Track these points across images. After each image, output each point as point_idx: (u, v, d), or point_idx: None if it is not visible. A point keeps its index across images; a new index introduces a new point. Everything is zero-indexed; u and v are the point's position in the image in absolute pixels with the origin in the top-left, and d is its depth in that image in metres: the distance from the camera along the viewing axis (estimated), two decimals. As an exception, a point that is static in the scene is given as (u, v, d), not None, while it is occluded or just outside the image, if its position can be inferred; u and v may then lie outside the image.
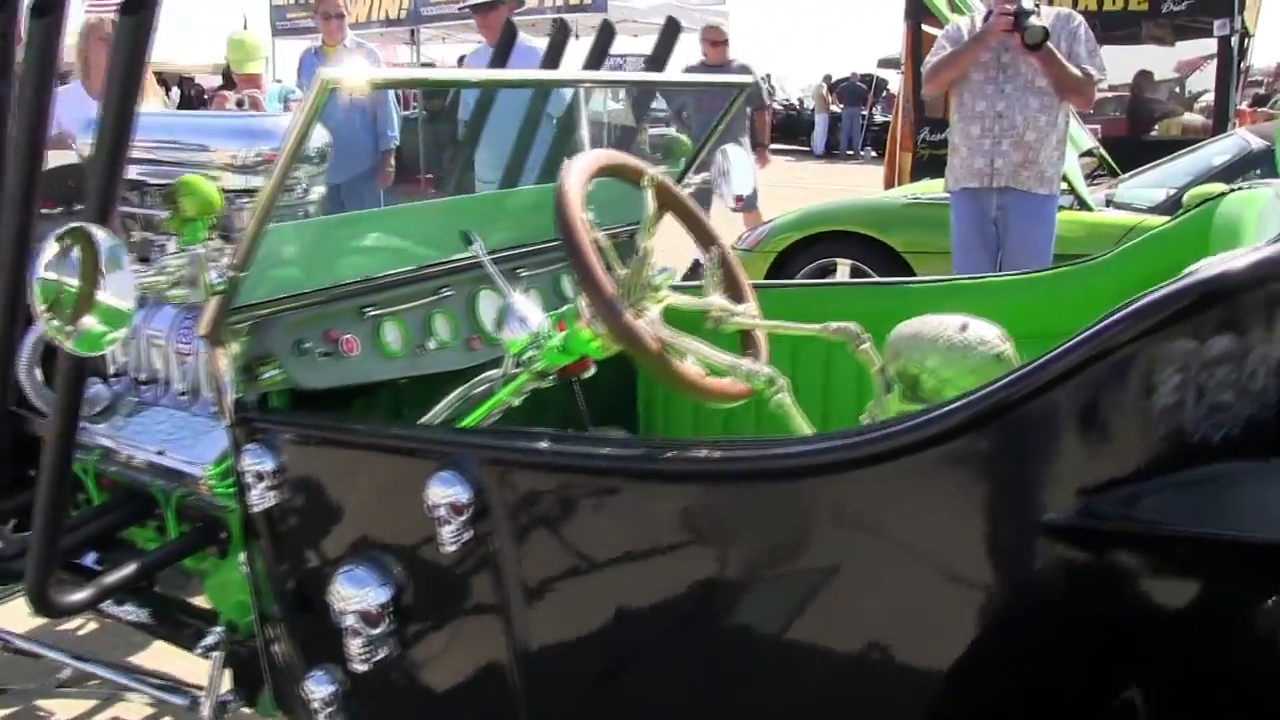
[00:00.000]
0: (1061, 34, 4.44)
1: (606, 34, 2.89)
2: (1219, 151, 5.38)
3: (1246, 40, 8.72)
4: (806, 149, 21.47)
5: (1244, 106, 10.12)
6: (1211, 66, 8.56)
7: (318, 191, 2.40)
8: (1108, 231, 5.03)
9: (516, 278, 2.36)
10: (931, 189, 5.84)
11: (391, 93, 5.95)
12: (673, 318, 1.72)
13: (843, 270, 5.70)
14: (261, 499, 1.73)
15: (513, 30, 3.51)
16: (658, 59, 2.71)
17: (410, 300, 2.09)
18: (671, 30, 2.73)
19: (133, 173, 2.14)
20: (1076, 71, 4.41)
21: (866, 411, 1.56)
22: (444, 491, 1.51)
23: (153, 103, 4.63)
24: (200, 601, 2.22)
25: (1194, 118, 9.10)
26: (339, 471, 1.76)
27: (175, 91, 16.87)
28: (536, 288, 2.42)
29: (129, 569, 1.96)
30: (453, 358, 2.16)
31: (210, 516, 2.01)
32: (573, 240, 1.56)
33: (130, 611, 2.15)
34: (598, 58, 2.90)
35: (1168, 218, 4.93)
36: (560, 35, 3.11)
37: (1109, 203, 5.30)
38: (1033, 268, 4.64)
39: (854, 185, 13.10)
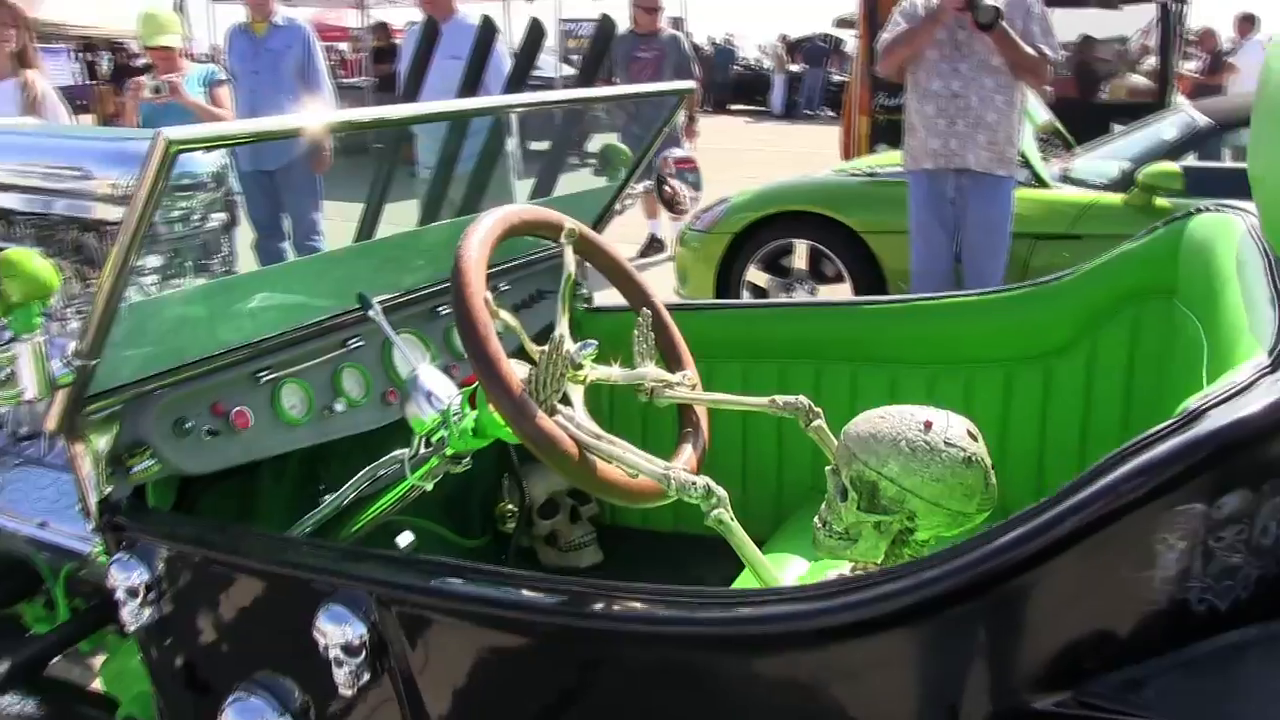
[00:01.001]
0: (1016, 13, 4.18)
1: (536, 35, 2.58)
2: (1167, 127, 5.14)
3: (1184, 5, 8.47)
4: (764, 109, 21.06)
5: (1186, 69, 9.91)
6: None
7: (218, 219, 2.12)
8: (1064, 209, 4.81)
9: (436, 317, 2.09)
10: (891, 160, 5.57)
11: (323, 67, 5.45)
12: (601, 392, 1.47)
13: (801, 250, 5.44)
14: (136, 617, 1.46)
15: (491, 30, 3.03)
16: (589, 69, 2.42)
17: (313, 357, 1.81)
18: (604, 34, 2.43)
19: None
20: (1031, 51, 4.17)
21: (818, 517, 1.31)
22: (335, 630, 1.25)
23: (37, 85, 4.08)
24: (100, 685, 1.96)
25: (1139, 80, 8.86)
26: (221, 587, 1.49)
27: (107, 60, 15.86)
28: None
29: (8, 663, 1.70)
30: (367, 417, 1.89)
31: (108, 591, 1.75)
32: (472, 333, 1.29)
33: (13, 702, 1.88)
34: (527, 59, 2.60)
35: (1122, 194, 4.79)
36: (534, 34, 2.76)
37: (1064, 178, 5.06)
38: (991, 252, 4.50)
39: (812, 147, 12.83)
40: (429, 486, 1.59)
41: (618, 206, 2.56)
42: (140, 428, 1.54)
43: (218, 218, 2.26)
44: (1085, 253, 4.65)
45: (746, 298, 5.54)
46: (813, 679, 1.04)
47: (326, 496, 1.98)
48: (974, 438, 1.24)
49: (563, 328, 1.49)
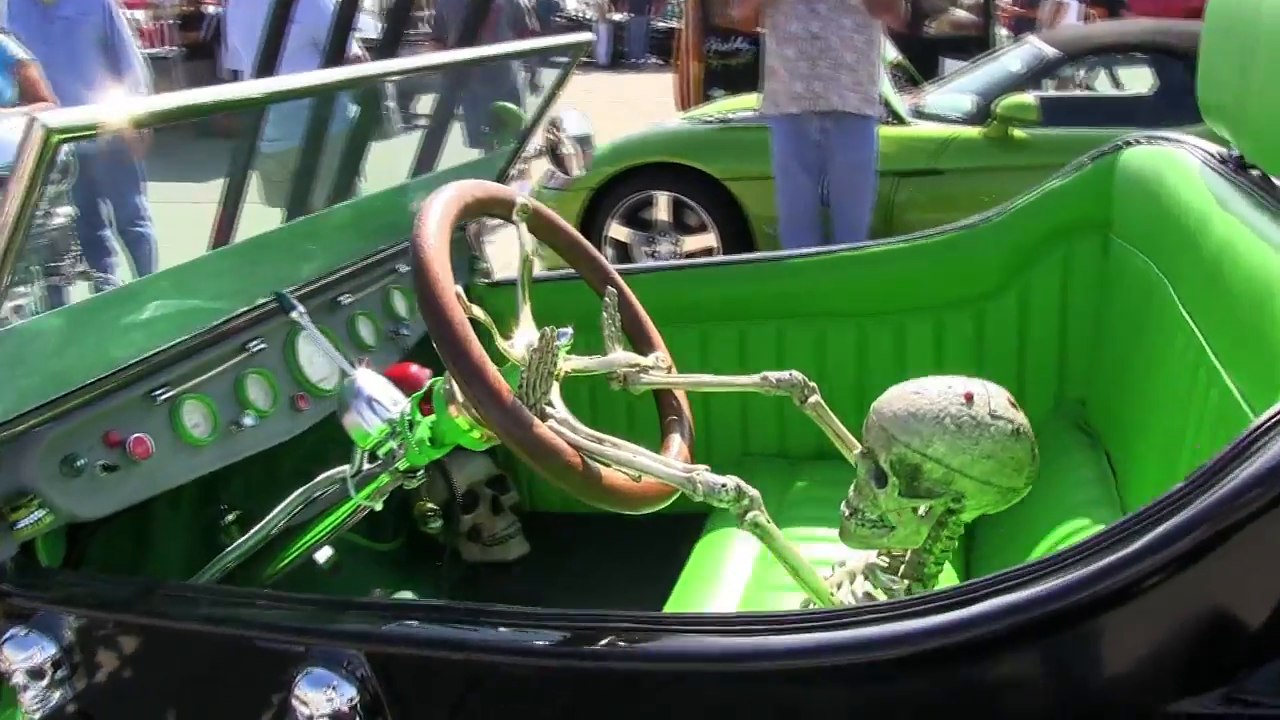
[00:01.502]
0: (869, -51, 4.11)
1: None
2: (1014, 59, 5.18)
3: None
4: (589, 59, 20.69)
5: (1005, 2, 10.10)
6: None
7: (64, 214, 1.82)
8: (924, 145, 4.80)
9: (337, 308, 1.87)
10: (739, 106, 5.47)
11: (130, 38, 4.83)
12: (579, 385, 1.29)
13: (662, 202, 5.29)
14: (42, 702, 1.21)
15: None
16: (470, 30, 2.19)
17: (211, 367, 1.57)
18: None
19: None
20: (886, -12, 4.11)
21: (846, 504, 1.16)
22: (319, 696, 1.04)
23: None
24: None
25: (963, 14, 9.00)
26: (156, 658, 1.25)
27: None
28: (366, 315, 1.93)
29: None
30: (278, 428, 1.66)
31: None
32: (449, 335, 1.09)
33: None
34: (398, 21, 2.35)
35: (980, 128, 4.81)
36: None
37: (918, 114, 5.04)
38: (859, 193, 4.44)
39: (644, 95, 12.67)
40: (378, 506, 1.38)
41: (513, 172, 2.35)
42: (23, 473, 1.28)
43: (64, 212, 1.95)
44: (948, 187, 4.75)
45: (610, 254, 5.38)
46: (952, 698, 0.90)
47: (229, 517, 1.75)
48: (1015, 406, 1.11)
49: (527, 317, 1.30)
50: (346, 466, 1.39)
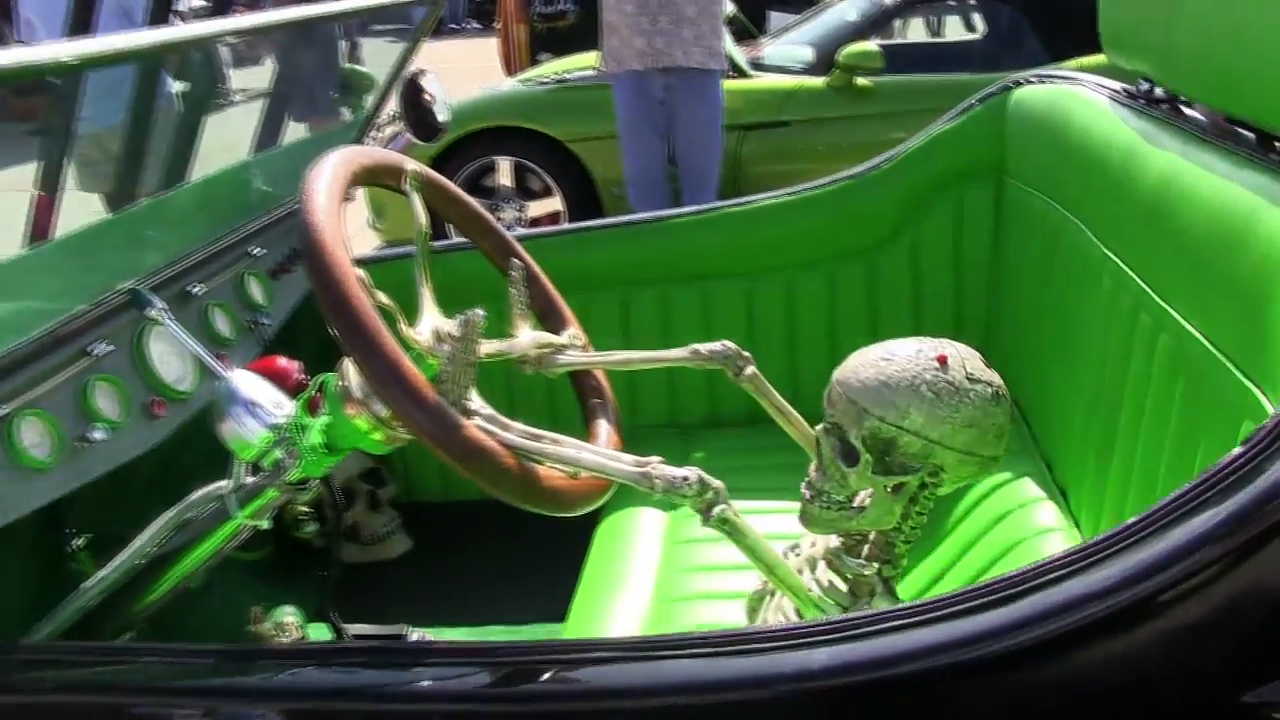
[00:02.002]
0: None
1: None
2: (850, 8, 5.15)
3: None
4: (405, 26, 19.99)
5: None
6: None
7: None
8: (768, 97, 4.73)
9: (189, 300, 1.65)
10: (573, 66, 5.30)
11: None
12: (495, 371, 1.13)
13: (504, 167, 5.09)
14: None
15: None
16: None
17: (48, 378, 1.35)
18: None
19: None
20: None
21: (807, 486, 1.04)
22: None
23: None
24: None
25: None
26: None
27: None
28: (221, 306, 1.71)
29: None
30: (133, 439, 1.44)
31: None
32: (357, 326, 0.92)
33: None
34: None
35: (823, 78, 4.77)
36: None
37: (757, 66, 4.97)
38: (706, 149, 4.34)
39: (469, 62, 12.31)
40: (266, 524, 1.20)
41: (366, 141, 2.15)
42: None
43: None
44: (795, 139, 4.70)
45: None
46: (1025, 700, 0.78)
47: (77, 542, 1.53)
48: (989, 365, 1.01)
49: (429, 299, 1.14)
50: (225, 482, 1.20)
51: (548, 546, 2.11)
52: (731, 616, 1.55)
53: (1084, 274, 1.52)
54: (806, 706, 0.78)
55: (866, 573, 1.04)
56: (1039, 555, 1.45)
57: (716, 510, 0.93)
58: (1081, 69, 1.81)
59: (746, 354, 1.20)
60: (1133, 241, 1.34)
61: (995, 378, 1.00)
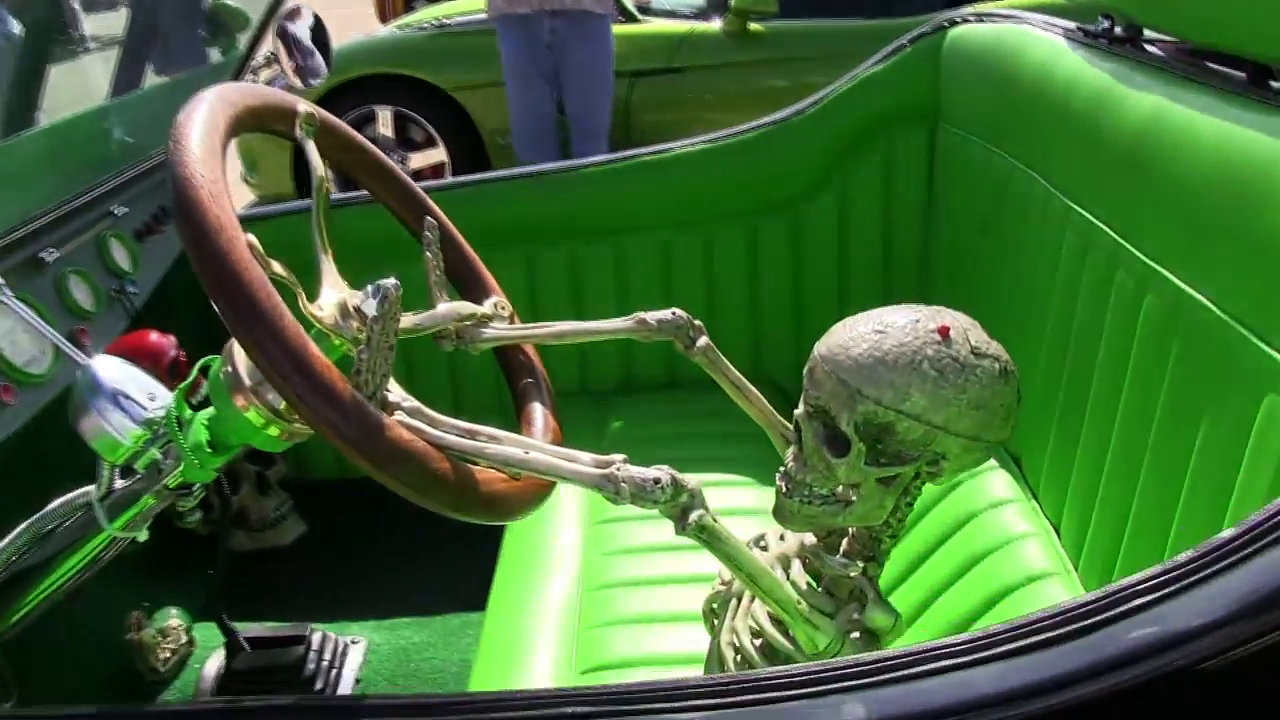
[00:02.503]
0: None
1: None
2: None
3: None
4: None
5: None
6: None
7: None
8: (660, 42, 4.56)
9: (41, 268, 1.42)
10: (454, 10, 5.04)
11: None
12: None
13: (384, 117, 4.81)
14: None
15: None
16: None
17: None
18: None
19: None
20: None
21: (783, 478, 0.90)
22: None
23: None
24: None
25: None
26: None
27: None
28: (79, 273, 1.49)
29: None
30: None
31: None
32: (246, 301, 0.74)
33: None
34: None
35: (718, 21, 4.59)
36: None
37: (645, 10, 4.78)
38: (597, 96, 4.15)
39: (338, 8, 11.78)
40: (143, 535, 1.01)
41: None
42: None
43: None
44: (688, 86, 4.54)
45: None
46: None
47: None
48: (990, 337, 0.88)
49: (330, 267, 0.95)
50: (90, 488, 1.00)
51: (457, 527, 1.94)
52: (663, 604, 1.42)
53: (1040, 227, 1.41)
54: None
55: (852, 574, 0.91)
56: (997, 528, 1.35)
57: (693, 517, 0.78)
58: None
59: (698, 323, 1.04)
60: (1106, 194, 1.23)
61: (1001, 351, 0.87)
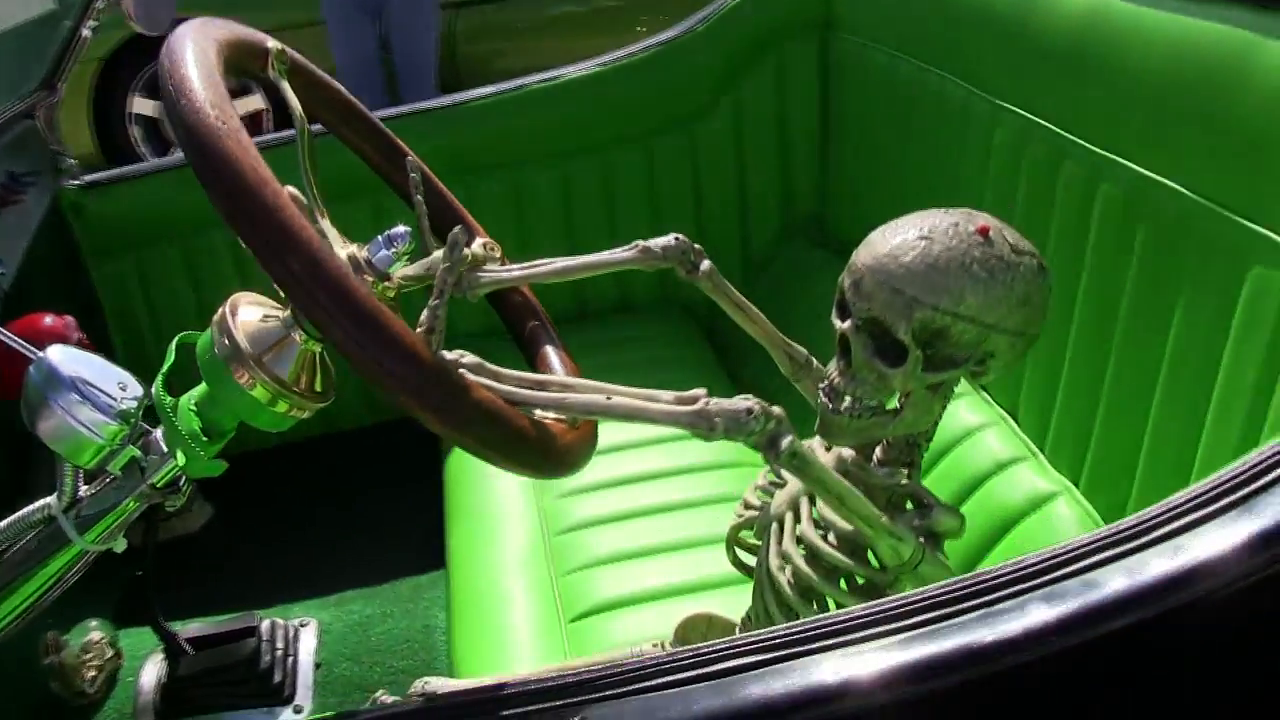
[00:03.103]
0: None
1: None
2: None
3: None
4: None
5: None
6: None
7: None
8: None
9: None
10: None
11: None
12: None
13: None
14: None
15: None
16: None
17: None
18: None
19: None
20: None
21: (828, 393, 0.85)
22: None
23: None
24: None
25: None
26: None
27: None
28: None
29: None
30: None
31: None
32: (317, 265, 0.64)
33: None
34: None
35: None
36: None
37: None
38: (422, 31, 3.96)
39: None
40: (120, 546, 0.90)
41: (85, 32, 1.73)
42: None
43: None
44: (513, 13, 4.38)
45: (138, 133, 4.54)
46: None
47: None
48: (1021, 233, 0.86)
49: (323, 219, 0.85)
50: (49, 500, 0.88)
51: (384, 484, 1.84)
52: (635, 540, 1.38)
53: (961, 129, 1.40)
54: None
55: (903, 482, 0.88)
56: (952, 419, 1.35)
57: (785, 444, 0.73)
58: None
59: (698, 247, 0.99)
60: (1046, 90, 1.23)
61: (1033, 247, 0.85)
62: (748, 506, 1.00)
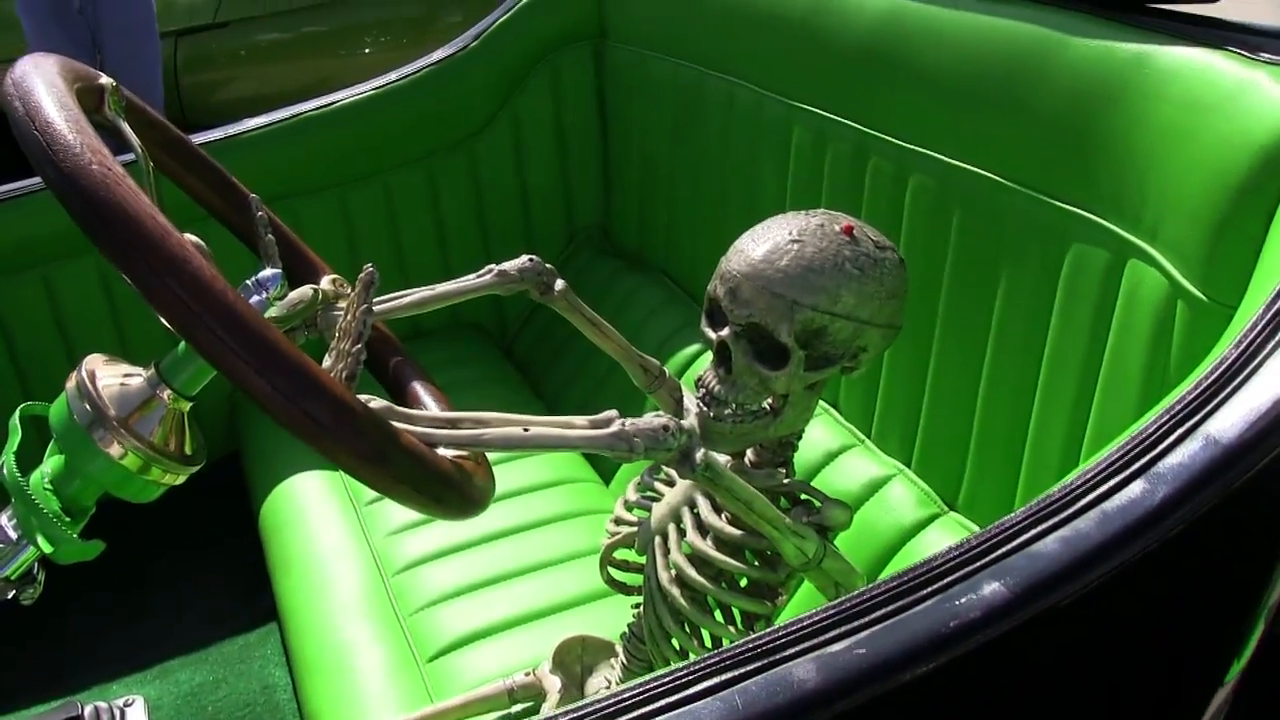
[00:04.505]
0: None
1: None
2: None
3: None
4: None
5: None
6: None
7: None
8: (197, -2, 4.08)
9: None
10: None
11: None
12: None
13: None
14: None
15: None
16: None
17: None
18: None
19: None
20: None
21: (707, 402, 0.82)
22: None
23: None
24: None
25: None
26: None
27: None
28: None
29: None
30: None
31: None
32: (231, 313, 0.56)
33: None
34: None
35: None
36: None
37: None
38: (145, 63, 3.65)
39: None
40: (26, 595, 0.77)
41: None
42: None
43: None
44: (237, 40, 4.13)
45: None
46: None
47: None
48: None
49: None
50: None
51: (177, 551, 1.68)
52: (477, 571, 1.31)
53: (752, 132, 1.41)
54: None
55: (786, 481, 0.87)
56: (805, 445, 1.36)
57: (699, 456, 0.70)
58: None
59: (551, 267, 0.94)
60: (844, 90, 1.25)
61: (889, 241, 0.86)
62: (619, 523, 0.96)
